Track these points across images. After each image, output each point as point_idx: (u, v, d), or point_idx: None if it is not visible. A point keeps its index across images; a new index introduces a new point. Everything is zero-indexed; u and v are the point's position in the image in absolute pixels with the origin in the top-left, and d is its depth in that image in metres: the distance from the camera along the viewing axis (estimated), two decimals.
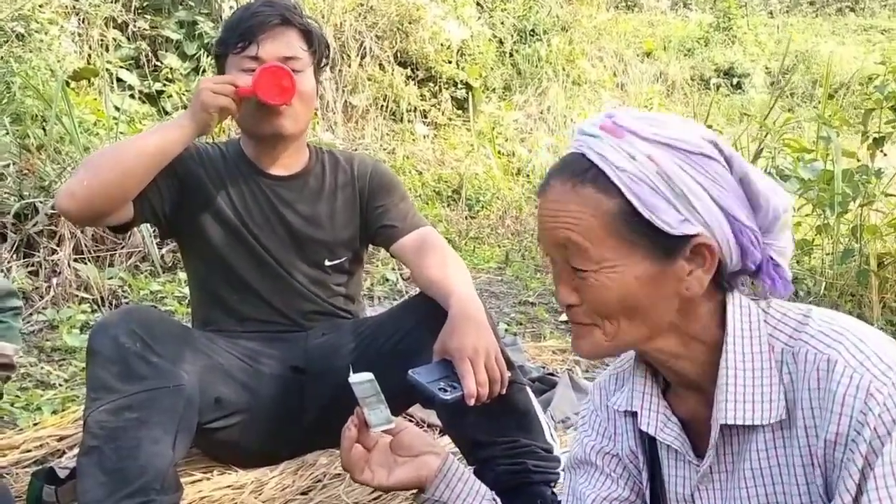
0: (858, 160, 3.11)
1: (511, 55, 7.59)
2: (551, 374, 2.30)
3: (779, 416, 0.86)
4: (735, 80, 9.43)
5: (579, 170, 0.86)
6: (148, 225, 3.21)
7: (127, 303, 2.92)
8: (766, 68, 9.69)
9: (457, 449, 1.60)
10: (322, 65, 1.68)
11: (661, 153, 0.84)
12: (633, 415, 1.01)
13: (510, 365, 1.57)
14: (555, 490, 1.52)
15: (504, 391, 1.40)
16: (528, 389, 1.61)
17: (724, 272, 0.90)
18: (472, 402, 1.32)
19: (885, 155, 3.06)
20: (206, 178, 1.63)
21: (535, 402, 1.61)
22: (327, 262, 1.69)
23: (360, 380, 1.10)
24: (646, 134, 0.85)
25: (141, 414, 1.32)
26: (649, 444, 1.01)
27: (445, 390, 1.31)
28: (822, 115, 3.28)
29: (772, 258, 0.91)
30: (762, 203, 0.88)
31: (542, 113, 7.34)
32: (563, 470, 1.57)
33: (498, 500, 1.13)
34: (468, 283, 1.57)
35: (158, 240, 3.28)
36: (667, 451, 0.99)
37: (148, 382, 1.34)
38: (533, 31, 7.74)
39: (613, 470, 1.05)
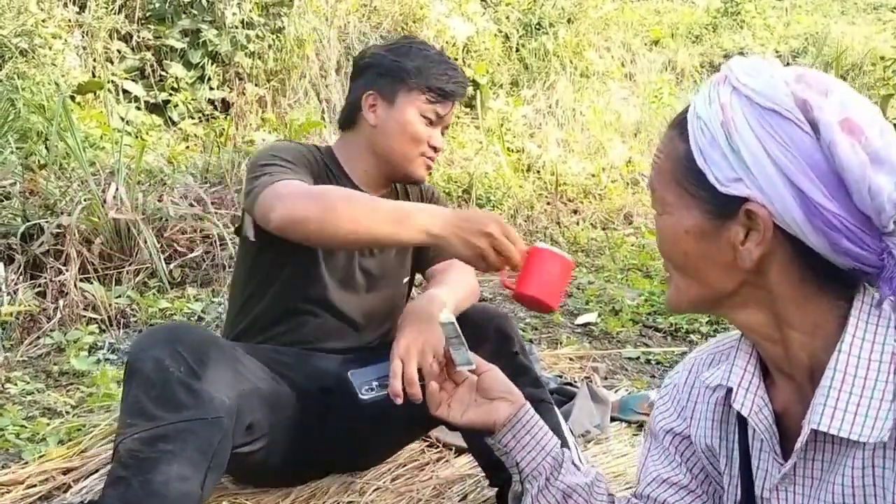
0: None
1: (517, 50, 7.51)
2: (569, 384, 2.23)
3: (880, 438, 0.76)
4: None
5: (678, 116, 0.86)
6: (154, 240, 3.18)
7: (136, 321, 2.88)
8: (777, 52, 9.54)
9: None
10: None
11: (735, 103, 0.78)
12: (726, 395, 0.92)
13: (538, 384, 1.54)
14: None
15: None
16: (556, 410, 1.57)
17: (821, 260, 0.78)
18: (397, 400, 1.35)
19: None
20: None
21: (564, 424, 1.56)
22: (405, 280, 1.76)
23: (445, 320, 1.14)
24: (736, 82, 0.79)
25: (175, 446, 1.26)
26: (741, 428, 0.92)
27: (371, 389, 1.31)
28: None
29: None
30: (852, 184, 0.73)
31: (550, 107, 7.25)
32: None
33: (565, 456, 1.10)
34: (454, 292, 1.59)
35: (166, 255, 3.24)
36: (753, 439, 0.91)
37: (187, 413, 1.28)
38: (539, 24, 7.64)
39: (680, 454, 1.00)
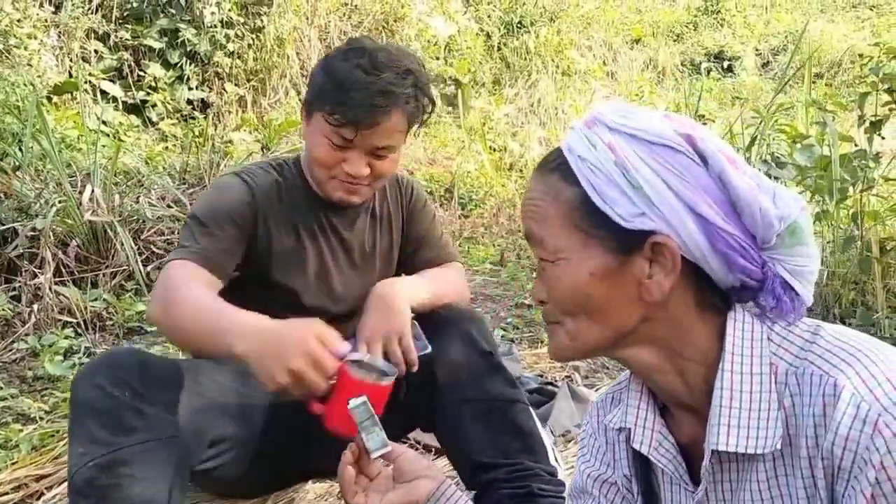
0: (856, 144, 3.04)
1: (499, 48, 7.51)
2: (549, 384, 2.23)
3: (773, 446, 0.79)
4: (726, 64, 9.35)
5: (550, 160, 0.85)
6: (132, 242, 3.14)
7: (112, 325, 2.84)
8: (757, 50, 9.60)
9: (455, 472, 1.53)
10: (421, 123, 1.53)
11: (622, 142, 0.80)
12: (628, 434, 0.94)
13: (513, 384, 1.52)
14: None
15: (413, 370, 1.41)
16: (531, 409, 1.56)
17: (705, 283, 0.82)
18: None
19: (882, 139, 2.98)
20: (270, 219, 1.54)
21: (538, 423, 1.56)
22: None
23: (356, 404, 1.10)
24: (612, 124, 0.82)
25: (134, 469, 1.22)
26: (644, 467, 0.95)
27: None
28: (811, 97, 3.20)
29: (782, 278, 0.81)
30: (744, 206, 0.78)
31: (532, 106, 7.26)
32: (568, 495, 1.51)
33: None
34: (425, 283, 1.56)
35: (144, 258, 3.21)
36: (662, 474, 0.93)
37: (140, 434, 1.25)
38: (520, 23, 7.65)
39: (611, 501, 0.99)
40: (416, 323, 1.49)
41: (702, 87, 6.76)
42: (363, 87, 1.39)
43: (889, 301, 2.97)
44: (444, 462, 1.80)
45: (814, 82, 7.73)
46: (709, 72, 9.08)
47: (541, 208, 0.84)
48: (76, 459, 1.23)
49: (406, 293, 1.48)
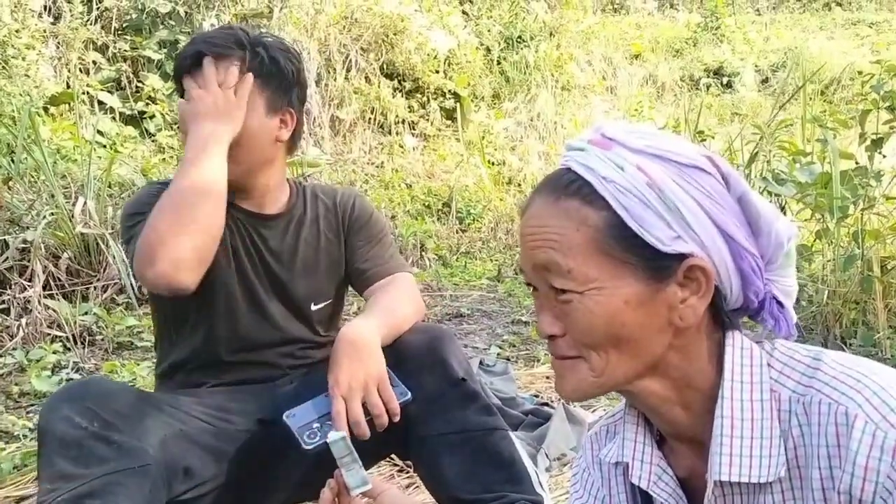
0: (857, 162, 3.01)
1: (499, 63, 7.51)
2: (545, 405, 2.18)
3: (777, 475, 0.76)
4: (725, 80, 9.35)
5: (563, 183, 0.79)
6: (123, 255, 3.10)
7: (102, 339, 2.80)
8: (756, 66, 9.61)
9: None
10: (287, 88, 1.50)
11: (652, 164, 0.76)
12: (626, 468, 0.90)
13: (489, 411, 1.45)
14: None
15: (395, 420, 1.33)
16: (512, 435, 1.50)
17: (724, 304, 0.80)
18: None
19: (884, 157, 2.95)
20: None
21: (521, 448, 1.50)
22: (313, 307, 1.58)
23: (334, 438, 1.06)
24: (636, 145, 0.78)
25: (105, 500, 1.18)
26: (644, 500, 0.91)
27: (314, 434, 1.24)
28: (811, 114, 3.18)
29: (775, 297, 0.81)
30: (763, 226, 0.79)
31: (531, 120, 7.25)
32: None
33: None
34: (390, 310, 1.48)
35: None
36: None
37: (110, 465, 1.20)
38: (520, 37, 7.65)
39: None
40: (348, 439, 1.39)
41: (701, 102, 6.74)
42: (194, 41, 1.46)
43: (890, 321, 2.93)
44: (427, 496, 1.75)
45: (812, 99, 7.72)
46: (708, 87, 9.09)
47: (564, 236, 0.77)
48: (45, 495, 1.19)
49: (375, 332, 1.39)
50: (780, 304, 0.81)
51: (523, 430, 1.99)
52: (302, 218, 1.58)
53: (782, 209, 3.48)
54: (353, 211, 1.62)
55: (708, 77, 9.33)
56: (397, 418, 1.33)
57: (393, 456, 1.83)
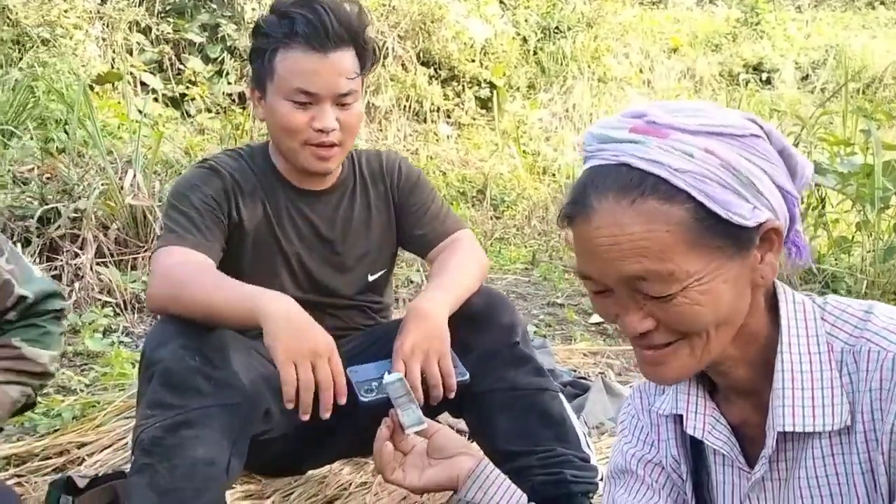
0: None
1: (535, 53, 7.51)
2: (583, 378, 2.22)
3: (843, 423, 0.79)
4: (764, 76, 9.25)
5: (630, 183, 0.76)
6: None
7: None
8: (797, 63, 9.49)
9: None
10: (370, 71, 1.54)
11: (717, 144, 0.77)
12: (678, 419, 0.95)
13: (541, 372, 1.50)
14: (593, 501, 1.44)
15: (451, 396, 1.37)
16: (562, 397, 1.54)
17: None
18: (342, 400, 1.29)
19: None
20: (243, 206, 1.53)
21: (570, 410, 1.55)
22: (370, 278, 1.63)
23: (391, 379, 1.12)
24: (692, 127, 0.77)
25: (198, 431, 1.26)
26: (694, 450, 0.95)
27: (371, 390, 1.29)
28: (859, 107, 3.17)
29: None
30: (799, 171, 0.83)
31: (567, 111, 7.25)
32: (600, 480, 1.50)
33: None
34: (453, 289, 1.49)
35: None
36: (714, 455, 0.93)
37: (207, 399, 1.28)
38: (557, 28, 7.64)
39: (655, 480, 0.99)
40: (405, 381, 1.44)
41: (741, 97, 6.70)
42: (313, 11, 1.40)
43: None
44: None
45: (854, 97, 7.63)
46: (747, 83, 9.00)
47: (654, 241, 0.75)
48: (143, 420, 1.28)
49: (445, 308, 1.44)
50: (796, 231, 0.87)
51: None
52: (353, 190, 1.62)
53: (822, 200, 3.47)
54: (401, 176, 1.64)
55: (747, 73, 9.24)
56: (452, 394, 1.38)
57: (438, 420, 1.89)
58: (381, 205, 1.63)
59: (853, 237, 3.27)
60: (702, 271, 0.76)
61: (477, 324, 1.48)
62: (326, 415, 1.28)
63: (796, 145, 3.64)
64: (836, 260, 3.27)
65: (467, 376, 1.42)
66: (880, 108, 3.41)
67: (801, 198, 0.87)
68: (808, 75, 9.29)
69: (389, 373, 1.26)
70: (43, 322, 1.50)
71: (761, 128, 0.81)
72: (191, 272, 1.37)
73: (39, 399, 2.02)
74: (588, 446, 1.52)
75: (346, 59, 1.44)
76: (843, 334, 0.82)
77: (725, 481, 0.92)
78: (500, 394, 1.46)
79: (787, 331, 0.82)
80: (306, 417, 1.27)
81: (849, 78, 4.09)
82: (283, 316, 1.28)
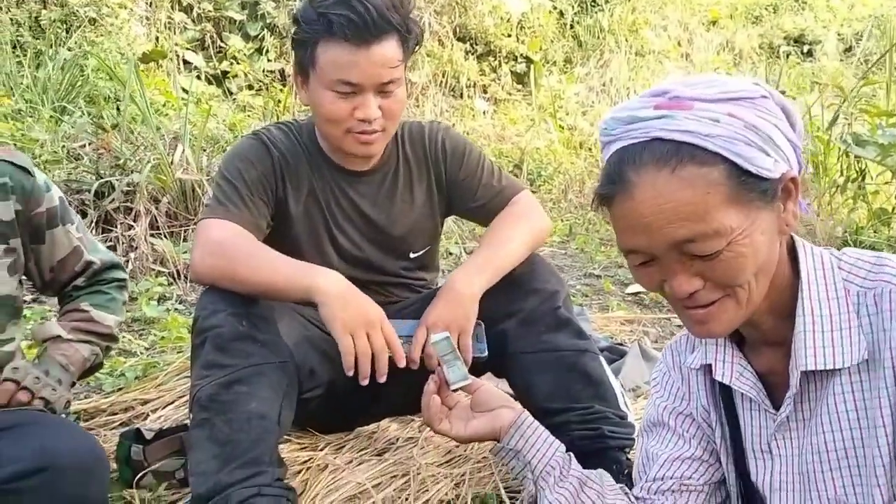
0: None
1: (572, 27, 7.47)
2: (620, 345, 2.28)
3: (861, 358, 0.86)
4: (806, 48, 9.07)
5: (666, 154, 0.82)
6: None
7: None
8: (839, 34, 9.28)
9: None
10: (415, 51, 1.55)
11: (737, 108, 0.85)
12: (708, 370, 1.02)
13: (582, 335, 1.56)
14: (629, 456, 1.51)
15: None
16: (601, 358, 1.61)
17: None
18: (412, 366, 1.41)
19: None
20: (290, 184, 1.58)
21: (609, 371, 1.61)
22: (412, 255, 1.69)
23: (438, 338, 1.19)
24: (712, 96, 0.85)
25: (250, 388, 1.36)
26: (725, 397, 1.02)
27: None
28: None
29: None
30: (796, 123, 0.90)
31: (604, 85, 7.21)
32: (637, 436, 1.56)
33: (572, 455, 1.15)
34: (500, 256, 1.54)
35: None
36: (742, 400, 1.00)
37: (255, 358, 1.38)
38: (594, 1, 7.58)
39: (686, 430, 1.06)
40: (482, 323, 1.51)
41: (780, 70, 6.60)
42: (351, 9, 1.40)
43: None
44: None
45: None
46: (788, 56, 8.84)
47: (698, 204, 0.81)
48: (199, 380, 1.38)
49: (477, 287, 1.49)
50: None
51: None
52: (396, 169, 1.64)
53: (862, 172, 3.46)
54: (446, 152, 1.65)
55: (788, 45, 9.07)
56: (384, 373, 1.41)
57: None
58: (425, 183, 1.67)
59: (893, 209, 3.25)
60: (742, 224, 0.83)
61: (521, 288, 1.54)
62: (382, 378, 1.38)
63: (836, 118, 3.62)
64: (875, 231, 3.26)
65: (486, 353, 1.50)
66: None
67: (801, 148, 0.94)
68: (850, 47, 9.10)
69: (408, 342, 1.40)
70: (108, 289, 1.61)
71: (767, 92, 0.89)
72: (242, 249, 1.44)
73: (104, 361, 2.15)
74: (626, 405, 1.58)
75: (388, 48, 1.44)
76: (858, 279, 0.89)
77: (754, 425, 0.99)
78: (543, 355, 1.52)
79: (807, 279, 0.90)
80: (365, 382, 1.37)
81: (893, 46, 4.02)
82: (336, 292, 1.37)
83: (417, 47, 1.53)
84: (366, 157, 1.57)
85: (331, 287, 1.38)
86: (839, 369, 0.88)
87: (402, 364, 1.40)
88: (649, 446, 1.09)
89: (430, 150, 1.66)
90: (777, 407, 0.95)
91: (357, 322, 1.35)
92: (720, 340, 0.99)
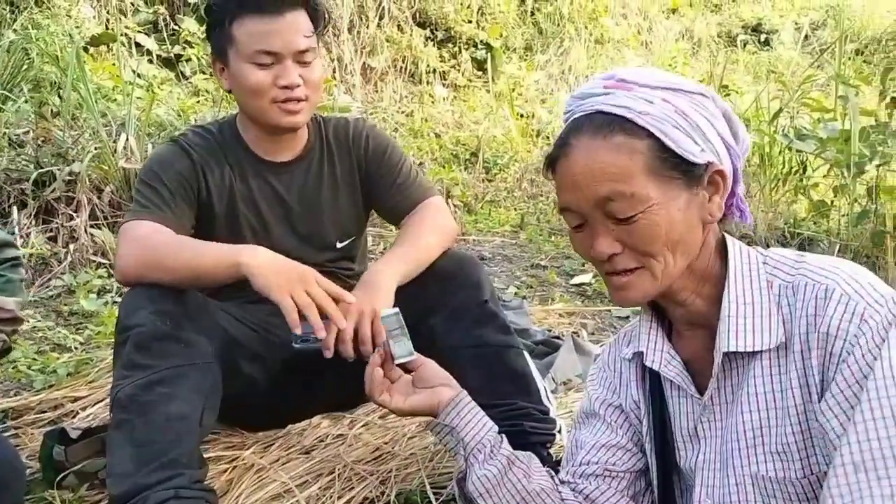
0: (877, 120, 3.05)
1: (532, 14, 7.47)
2: (556, 338, 2.31)
3: (777, 341, 0.93)
4: (763, 37, 9.18)
5: (602, 123, 0.93)
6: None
7: None
8: (796, 24, 9.41)
9: None
10: (324, 32, 1.63)
11: (672, 96, 0.94)
12: (641, 366, 1.09)
13: (507, 330, 1.59)
14: (551, 451, 1.55)
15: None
16: (526, 353, 1.64)
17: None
18: (327, 353, 1.39)
19: None
20: (211, 184, 1.60)
21: (532, 366, 1.64)
22: (338, 245, 1.71)
23: (387, 313, 1.22)
24: (653, 83, 0.94)
25: (171, 389, 1.35)
26: (655, 386, 1.08)
27: (307, 340, 1.39)
28: (841, 73, 3.20)
29: (739, 195, 1.03)
30: (739, 133, 1.00)
31: (563, 73, 7.23)
32: (559, 431, 1.60)
33: (504, 436, 1.19)
34: (414, 250, 1.57)
35: None
36: (670, 387, 1.06)
37: (178, 359, 1.38)
38: None
39: (615, 420, 1.13)
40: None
41: (726, 59, 6.66)
42: None
43: None
44: None
45: (852, 59, 7.59)
46: (745, 44, 8.94)
47: (620, 167, 0.91)
48: (120, 380, 1.37)
49: (393, 277, 1.51)
50: (740, 197, 1.03)
51: (534, 359, 2.12)
52: (320, 160, 1.68)
53: (803, 165, 3.53)
54: (368, 148, 1.70)
55: (746, 34, 9.17)
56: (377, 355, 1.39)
57: None
58: (348, 175, 1.70)
59: (832, 202, 3.33)
60: (659, 197, 0.92)
61: (447, 283, 1.57)
62: (343, 324, 1.37)
63: (780, 111, 3.69)
64: (814, 224, 3.34)
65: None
66: (859, 74, 3.44)
67: (743, 164, 1.02)
68: (808, 36, 9.24)
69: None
70: (2, 271, 1.55)
71: (710, 95, 0.98)
72: (167, 240, 1.46)
73: (35, 357, 2.13)
74: (548, 400, 1.62)
75: (300, 17, 1.54)
76: (782, 273, 0.97)
77: (681, 411, 1.05)
78: (469, 350, 1.55)
79: (734, 271, 0.98)
80: (329, 354, 1.38)
81: (840, 38, 4.10)
82: (264, 261, 1.38)
83: (326, 27, 1.61)
84: (293, 129, 1.60)
85: (258, 258, 1.39)
86: (758, 352, 0.95)
87: (350, 300, 1.39)
88: (580, 435, 1.16)
89: (354, 145, 1.70)
90: (702, 392, 1.02)
91: (292, 281, 1.36)
92: (651, 331, 1.05)
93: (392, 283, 1.51)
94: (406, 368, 1.24)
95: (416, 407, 1.21)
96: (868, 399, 0.84)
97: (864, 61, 8.04)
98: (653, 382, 1.08)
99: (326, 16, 1.60)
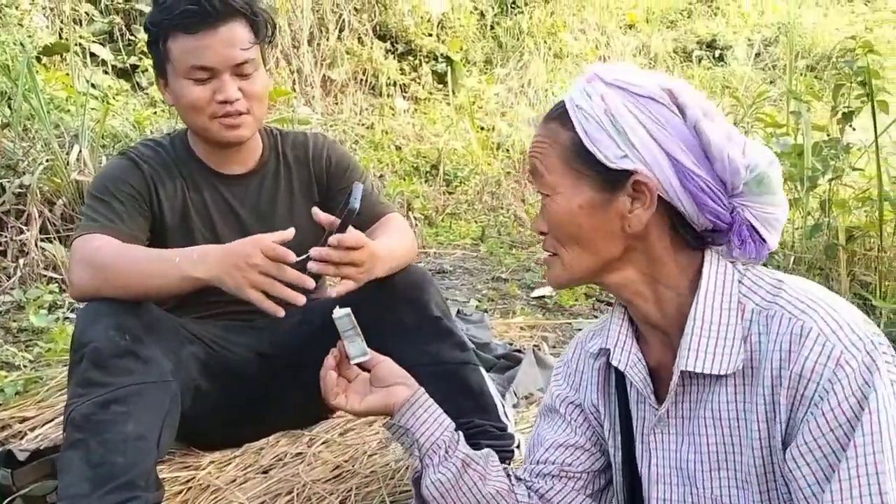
0: (829, 134, 3.13)
1: (492, 28, 7.53)
2: (518, 351, 2.31)
3: (734, 369, 0.91)
4: (717, 53, 9.38)
5: (554, 110, 0.97)
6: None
7: None
8: (749, 40, 9.64)
9: None
10: (269, 41, 1.60)
11: (613, 94, 0.92)
12: (606, 366, 1.07)
13: (463, 347, 1.58)
14: (508, 468, 1.53)
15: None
16: (482, 369, 1.63)
17: (679, 222, 0.94)
18: (291, 258, 1.32)
19: (853, 129, 3.07)
20: (163, 197, 1.57)
21: (490, 382, 1.63)
22: (294, 260, 1.66)
23: (340, 314, 1.19)
24: (608, 79, 0.93)
25: (128, 408, 1.31)
26: (620, 386, 1.06)
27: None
28: (793, 89, 3.28)
29: (750, 222, 0.93)
30: (714, 153, 0.90)
31: (523, 87, 7.29)
32: (517, 447, 1.59)
33: (461, 434, 1.18)
34: (392, 250, 1.52)
35: None
36: (631, 389, 1.05)
37: (136, 377, 1.34)
38: (514, 2, 7.66)
39: (574, 419, 1.12)
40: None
41: (681, 74, 6.80)
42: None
43: (853, 288, 3.06)
44: None
45: (803, 75, 7.79)
46: (700, 60, 9.13)
47: (543, 148, 0.97)
48: (75, 398, 1.32)
49: (384, 249, 1.46)
50: (754, 229, 0.93)
51: (495, 373, 2.13)
52: (276, 174, 1.65)
53: None
54: (330, 163, 1.69)
55: (700, 49, 9.36)
56: (300, 301, 1.35)
57: None
58: (306, 189, 1.68)
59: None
60: (562, 187, 0.95)
61: (401, 301, 1.55)
62: (311, 283, 1.33)
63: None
64: None
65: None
66: (810, 89, 3.52)
67: (733, 185, 0.91)
68: (760, 52, 9.46)
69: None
70: None
71: (675, 100, 0.92)
72: (118, 253, 1.41)
73: None
74: (506, 416, 1.61)
75: (236, 29, 1.50)
76: (757, 297, 0.93)
77: (640, 417, 1.04)
78: (425, 367, 1.51)
79: (705, 286, 0.94)
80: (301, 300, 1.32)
81: (795, 56, 4.20)
82: (211, 261, 1.32)
83: (272, 37, 1.58)
84: (236, 143, 1.58)
85: (203, 262, 1.32)
86: (724, 376, 0.93)
87: (291, 259, 1.33)
88: (541, 429, 1.16)
89: (314, 160, 1.69)
90: (661, 402, 1.00)
91: (242, 270, 1.29)
92: (622, 330, 1.03)
93: (383, 253, 1.44)
94: (363, 367, 1.23)
95: (371, 407, 1.20)
96: (855, 456, 0.82)
97: (816, 77, 8.26)
98: (618, 379, 1.07)
99: (269, 24, 1.57)
